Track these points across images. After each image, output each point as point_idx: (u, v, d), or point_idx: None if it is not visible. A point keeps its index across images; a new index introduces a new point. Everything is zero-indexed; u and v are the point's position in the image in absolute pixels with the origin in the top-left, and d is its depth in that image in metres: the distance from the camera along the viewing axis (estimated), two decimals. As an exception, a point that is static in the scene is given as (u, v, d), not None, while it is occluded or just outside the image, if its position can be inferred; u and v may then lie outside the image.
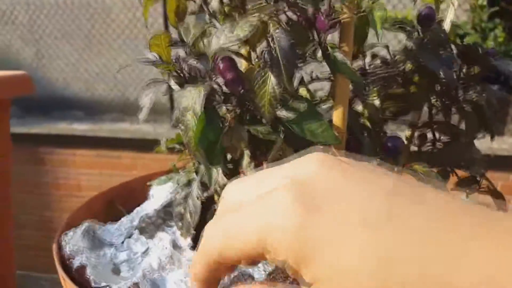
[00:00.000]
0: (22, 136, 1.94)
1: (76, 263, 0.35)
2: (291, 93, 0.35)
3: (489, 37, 1.61)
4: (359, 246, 0.19)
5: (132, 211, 0.50)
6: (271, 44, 0.32)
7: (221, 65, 0.36)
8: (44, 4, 2.00)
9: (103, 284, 0.34)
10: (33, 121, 2.05)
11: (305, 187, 0.21)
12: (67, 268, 0.37)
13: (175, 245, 0.38)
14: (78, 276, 0.35)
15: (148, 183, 0.51)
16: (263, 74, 0.34)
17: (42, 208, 2.09)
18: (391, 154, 0.40)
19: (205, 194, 0.46)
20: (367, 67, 0.47)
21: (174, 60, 0.35)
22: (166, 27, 1.84)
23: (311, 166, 0.22)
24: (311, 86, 0.49)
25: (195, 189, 0.45)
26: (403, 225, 0.19)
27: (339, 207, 0.20)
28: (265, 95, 0.35)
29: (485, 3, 1.50)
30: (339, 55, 0.35)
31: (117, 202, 0.53)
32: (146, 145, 1.75)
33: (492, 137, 0.42)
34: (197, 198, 0.45)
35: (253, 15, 0.32)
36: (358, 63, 0.48)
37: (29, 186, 2.07)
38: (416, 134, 0.45)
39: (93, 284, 0.34)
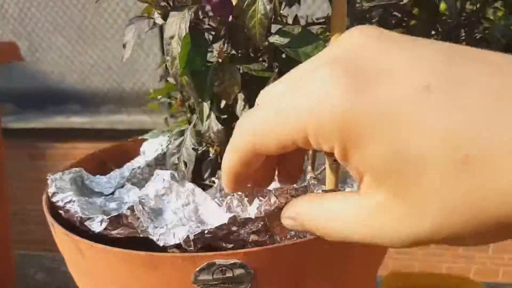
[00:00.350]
0: (19, 132, 1.93)
1: (64, 199, 0.33)
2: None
3: (488, 12, 1.59)
4: (426, 119, 0.16)
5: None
6: None
7: None
8: (34, -3, 1.97)
9: (93, 216, 0.31)
10: (29, 116, 2.03)
11: (353, 61, 0.18)
12: (56, 214, 0.35)
13: (174, 177, 0.36)
14: (67, 217, 0.33)
15: (139, 137, 0.49)
16: (251, -11, 0.32)
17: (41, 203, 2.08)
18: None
19: (199, 148, 0.44)
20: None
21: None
22: None
23: (355, 39, 0.19)
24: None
25: (188, 137, 0.43)
26: (472, 87, 0.16)
27: (396, 77, 0.17)
28: (255, 14, 0.32)
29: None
30: None
31: (111, 162, 0.51)
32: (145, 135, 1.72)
33: None
34: (191, 147, 0.42)
35: None
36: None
37: (29, 182, 2.05)
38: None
39: (82, 216, 0.32)
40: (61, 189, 0.34)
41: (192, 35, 0.32)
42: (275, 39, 0.35)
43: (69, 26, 1.98)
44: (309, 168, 0.40)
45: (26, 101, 2.08)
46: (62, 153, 2.02)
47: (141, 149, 0.48)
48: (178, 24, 0.32)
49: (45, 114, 2.05)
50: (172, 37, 0.32)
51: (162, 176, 0.35)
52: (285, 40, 0.35)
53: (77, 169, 0.39)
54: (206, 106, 0.36)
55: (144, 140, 0.49)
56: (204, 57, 0.34)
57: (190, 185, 0.34)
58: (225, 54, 0.37)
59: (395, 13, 0.44)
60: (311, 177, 0.38)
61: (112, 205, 0.37)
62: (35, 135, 1.99)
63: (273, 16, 0.38)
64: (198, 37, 0.33)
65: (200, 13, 0.34)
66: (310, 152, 0.40)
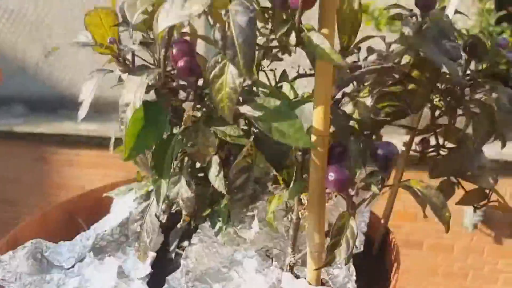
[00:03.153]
0: (27, 135, 1.92)
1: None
2: (256, 82, 0.29)
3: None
4: None
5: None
6: (225, 19, 0.25)
7: (174, 50, 0.29)
8: (52, 3, 1.98)
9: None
10: (38, 119, 2.03)
11: None
12: None
13: (122, 275, 0.32)
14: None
15: (104, 195, 0.45)
16: (219, 60, 0.27)
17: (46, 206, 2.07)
18: (382, 164, 0.33)
19: (166, 214, 0.40)
20: (361, 63, 0.40)
21: (109, 42, 0.29)
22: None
23: None
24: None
25: (154, 203, 0.38)
26: None
27: None
28: (223, 87, 0.28)
29: (492, 7, 1.47)
30: (315, 36, 0.28)
31: (81, 214, 0.47)
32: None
33: (503, 144, 0.34)
34: (156, 215, 0.38)
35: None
36: (351, 59, 0.41)
37: (33, 185, 2.04)
38: (415, 139, 0.38)
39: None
40: (10, 274, 0.31)
41: (149, 106, 0.28)
42: (246, 110, 0.30)
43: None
44: (289, 249, 0.36)
45: (37, 104, 2.08)
46: (67, 158, 2.00)
47: (112, 205, 0.45)
48: (133, 93, 0.28)
49: (54, 119, 2.04)
50: (127, 105, 0.28)
51: (110, 273, 0.31)
52: (258, 113, 0.30)
53: (34, 241, 0.36)
54: (164, 184, 0.31)
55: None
56: (160, 132, 0.29)
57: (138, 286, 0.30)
58: (194, 119, 0.33)
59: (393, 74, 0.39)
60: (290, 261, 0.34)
61: (72, 283, 0.34)
62: (42, 139, 1.98)
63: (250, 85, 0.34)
64: (155, 108, 0.29)
65: (162, 76, 0.30)
66: (291, 232, 0.36)
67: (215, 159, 0.37)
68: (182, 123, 0.32)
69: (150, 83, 0.28)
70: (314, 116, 0.33)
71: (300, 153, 0.35)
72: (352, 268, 0.36)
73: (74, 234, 0.41)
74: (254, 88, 0.34)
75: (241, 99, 0.30)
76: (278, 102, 0.31)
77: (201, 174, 0.41)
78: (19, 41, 2.06)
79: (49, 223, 0.41)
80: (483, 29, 1.46)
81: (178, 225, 0.38)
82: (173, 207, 0.40)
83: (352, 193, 0.31)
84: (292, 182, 0.33)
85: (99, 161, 1.95)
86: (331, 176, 0.31)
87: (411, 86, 0.38)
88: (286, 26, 0.30)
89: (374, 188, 0.32)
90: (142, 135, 0.28)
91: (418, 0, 0.33)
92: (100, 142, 1.91)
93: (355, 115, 0.38)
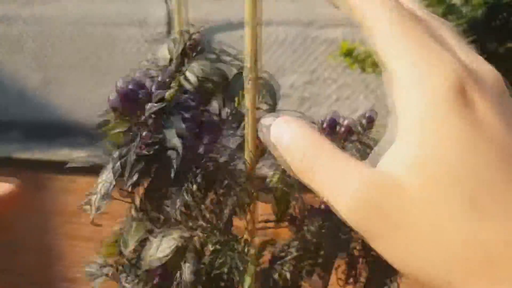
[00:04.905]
0: (24, 162, 1.96)
1: None
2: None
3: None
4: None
5: None
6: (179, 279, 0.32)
7: (156, 279, 0.35)
8: (52, 35, 2.04)
9: None
10: (35, 146, 2.07)
11: None
12: None
13: None
14: None
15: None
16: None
17: (42, 233, 2.10)
18: None
19: None
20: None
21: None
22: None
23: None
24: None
25: None
26: None
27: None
28: None
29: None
30: None
31: None
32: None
33: None
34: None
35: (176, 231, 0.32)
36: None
37: (28, 211, 2.08)
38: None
39: None
40: None
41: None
42: None
43: (82, 65, 2.04)
44: None
45: (35, 131, 2.13)
46: (62, 185, 2.04)
47: None
48: None
49: (52, 146, 2.09)
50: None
51: None
52: None
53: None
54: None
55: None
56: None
57: None
58: None
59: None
60: None
61: None
62: (39, 166, 2.02)
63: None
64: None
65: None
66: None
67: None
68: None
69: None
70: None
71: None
72: None
73: None
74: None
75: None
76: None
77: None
78: (20, 70, 2.11)
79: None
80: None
81: None
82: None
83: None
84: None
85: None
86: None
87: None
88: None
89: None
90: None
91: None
92: (95, 169, 1.96)
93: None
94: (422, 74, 0.18)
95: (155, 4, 1.89)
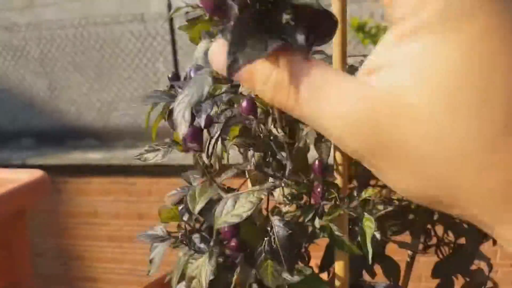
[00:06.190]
0: (38, 168, 1.98)
1: None
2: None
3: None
4: None
5: None
6: (271, 234, 0.31)
7: (225, 230, 0.34)
8: (55, 38, 2.04)
9: None
10: (47, 151, 2.09)
11: None
12: None
13: None
14: None
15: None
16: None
17: (58, 236, 2.12)
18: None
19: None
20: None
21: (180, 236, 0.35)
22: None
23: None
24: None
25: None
26: None
27: None
28: (268, 267, 0.33)
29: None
30: (336, 229, 0.33)
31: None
32: (161, 170, 1.75)
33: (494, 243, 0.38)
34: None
35: (253, 193, 0.31)
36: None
37: (45, 215, 2.10)
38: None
39: None
40: None
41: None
42: (285, 275, 0.34)
43: (87, 66, 2.04)
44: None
45: (45, 137, 2.14)
46: (78, 187, 2.06)
47: None
48: (199, 269, 0.33)
49: (63, 150, 2.10)
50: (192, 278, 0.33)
51: None
52: (295, 279, 0.34)
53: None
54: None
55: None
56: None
57: None
58: None
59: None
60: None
61: None
62: (53, 170, 2.04)
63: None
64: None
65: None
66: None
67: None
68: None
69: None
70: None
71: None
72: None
73: None
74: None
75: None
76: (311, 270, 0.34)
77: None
78: (25, 76, 2.12)
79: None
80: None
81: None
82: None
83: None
84: None
85: (110, 188, 2.01)
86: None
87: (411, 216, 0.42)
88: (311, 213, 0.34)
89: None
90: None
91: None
92: (109, 170, 1.96)
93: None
94: None
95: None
